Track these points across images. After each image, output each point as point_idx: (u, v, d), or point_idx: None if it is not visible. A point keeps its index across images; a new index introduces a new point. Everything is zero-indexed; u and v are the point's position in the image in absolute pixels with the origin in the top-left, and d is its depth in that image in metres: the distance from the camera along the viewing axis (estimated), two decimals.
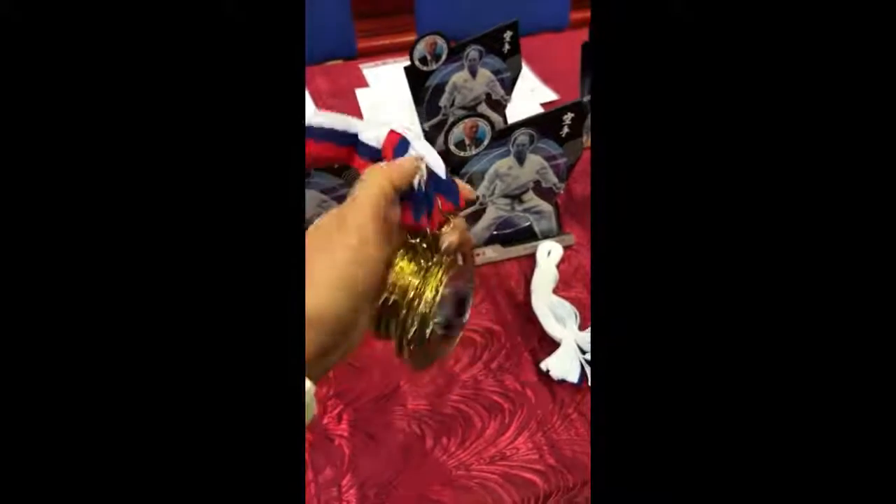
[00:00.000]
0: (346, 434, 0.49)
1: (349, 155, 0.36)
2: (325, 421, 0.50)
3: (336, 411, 0.50)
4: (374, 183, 0.31)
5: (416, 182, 0.34)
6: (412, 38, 0.66)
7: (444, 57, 0.67)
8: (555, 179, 0.59)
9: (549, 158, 0.58)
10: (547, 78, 0.94)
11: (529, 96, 0.89)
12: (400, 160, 0.34)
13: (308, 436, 0.49)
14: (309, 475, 0.46)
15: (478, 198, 0.37)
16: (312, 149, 0.35)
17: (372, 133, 0.35)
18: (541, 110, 0.84)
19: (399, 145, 0.35)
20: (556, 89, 0.92)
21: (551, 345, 0.54)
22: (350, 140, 0.36)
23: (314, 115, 0.35)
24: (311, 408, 0.28)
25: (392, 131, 0.35)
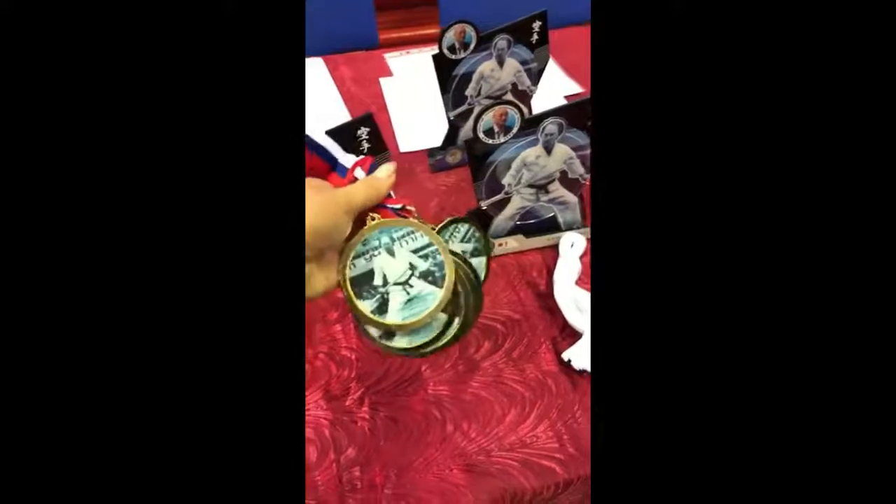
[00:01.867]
0: (367, 416, 0.49)
1: (326, 172, 0.44)
2: (347, 403, 0.50)
3: (358, 394, 0.51)
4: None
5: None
6: (434, 30, 0.66)
7: (472, 45, 0.67)
8: (581, 170, 0.59)
9: (576, 149, 0.57)
10: (571, 71, 0.94)
11: (554, 88, 0.89)
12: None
13: (329, 415, 0.49)
14: (331, 455, 0.47)
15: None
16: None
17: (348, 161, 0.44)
18: (564, 103, 0.83)
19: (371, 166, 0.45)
20: (580, 82, 0.91)
21: (573, 335, 0.54)
22: (331, 160, 0.44)
23: (313, 131, 0.43)
24: None
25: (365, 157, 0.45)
